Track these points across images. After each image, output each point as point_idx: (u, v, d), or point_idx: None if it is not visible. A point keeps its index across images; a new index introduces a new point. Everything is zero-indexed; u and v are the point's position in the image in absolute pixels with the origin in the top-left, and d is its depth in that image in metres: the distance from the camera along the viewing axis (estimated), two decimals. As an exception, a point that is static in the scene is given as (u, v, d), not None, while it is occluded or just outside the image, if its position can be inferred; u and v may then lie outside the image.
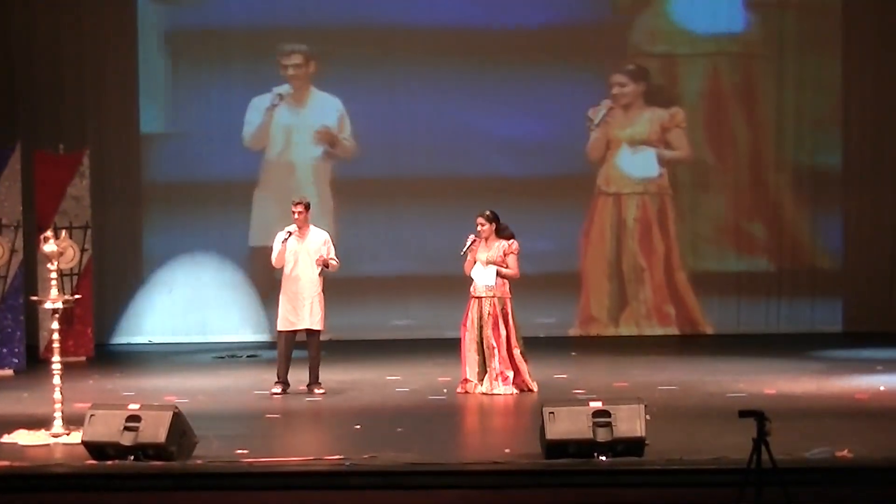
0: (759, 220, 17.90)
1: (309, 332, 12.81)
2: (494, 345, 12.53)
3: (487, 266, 12.63)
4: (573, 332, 17.74)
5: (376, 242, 17.70)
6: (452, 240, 13.31)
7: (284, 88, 18.06)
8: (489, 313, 12.59)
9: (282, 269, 12.86)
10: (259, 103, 18.02)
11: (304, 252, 12.78)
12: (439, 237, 16.72)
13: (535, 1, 17.97)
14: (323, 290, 12.88)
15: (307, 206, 12.83)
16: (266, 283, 16.77)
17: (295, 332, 12.84)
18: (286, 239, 12.74)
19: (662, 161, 18.02)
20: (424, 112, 17.84)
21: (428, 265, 17.39)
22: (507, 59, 17.77)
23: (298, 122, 18.13)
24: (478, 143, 17.88)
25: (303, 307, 12.74)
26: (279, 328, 12.90)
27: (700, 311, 17.88)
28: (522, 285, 12.99)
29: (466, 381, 12.61)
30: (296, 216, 12.77)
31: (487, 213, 12.75)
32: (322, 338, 12.95)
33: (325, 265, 12.77)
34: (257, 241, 17.40)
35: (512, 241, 12.68)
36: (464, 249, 12.70)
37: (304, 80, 18.08)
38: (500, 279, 12.62)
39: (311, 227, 12.89)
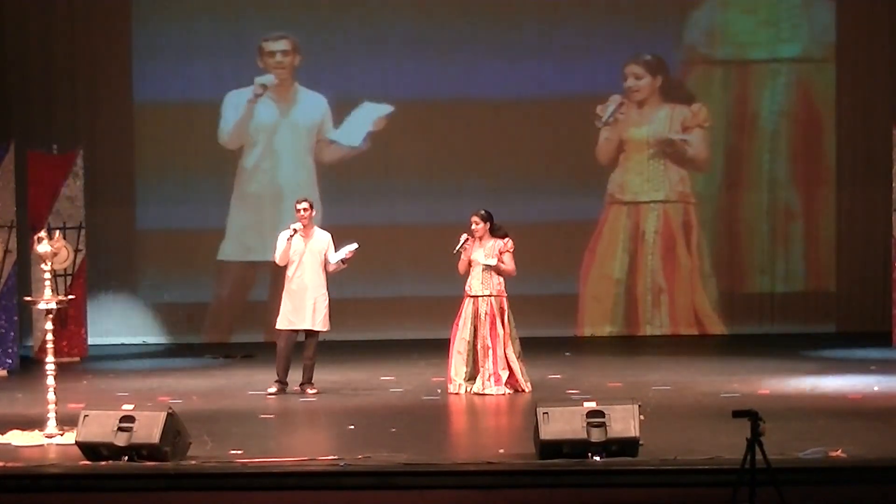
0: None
1: (309, 332, 12.78)
2: (490, 345, 12.48)
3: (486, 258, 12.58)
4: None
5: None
6: (445, 240, 13.27)
7: (268, 79, 17.70)
8: (486, 313, 12.54)
9: (285, 267, 12.83)
10: (237, 98, 17.63)
11: (309, 252, 12.73)
12: (432, 240, 16.69)
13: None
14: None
15: (311, 205, 12.80)
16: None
17: (295, 331, 12.81)
18: (291, 237, 12.71)
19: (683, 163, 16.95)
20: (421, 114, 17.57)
21: (420, 276, 17.29)
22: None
23: (283, 121, 17.70)
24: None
25: (305, 307, 12.70)
26: (278, 326, 12.84)
27: (712, 315, 17.51)
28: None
29: (451, 380, 12.58)
30: (301, 214, 12.74)
31: (482, 212, 12.72)
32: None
33: (343, 263, 12.75)
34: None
35: (507, 239, 12.66)
36: (457, 248, 12.66)
37: (288, 73, 17.66)
38: (497, 277, 12.61)
39: (315, 227, 12.86)
